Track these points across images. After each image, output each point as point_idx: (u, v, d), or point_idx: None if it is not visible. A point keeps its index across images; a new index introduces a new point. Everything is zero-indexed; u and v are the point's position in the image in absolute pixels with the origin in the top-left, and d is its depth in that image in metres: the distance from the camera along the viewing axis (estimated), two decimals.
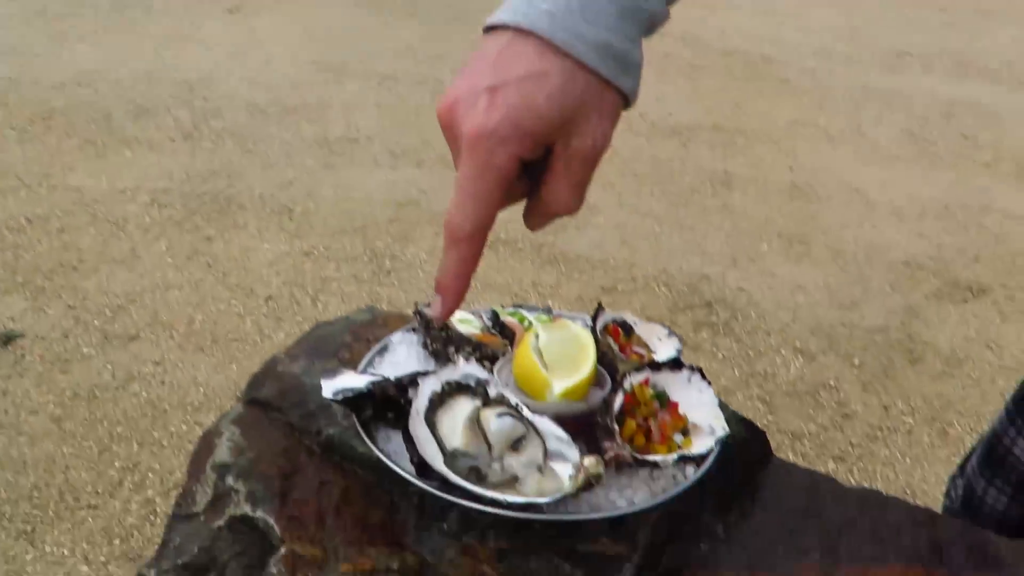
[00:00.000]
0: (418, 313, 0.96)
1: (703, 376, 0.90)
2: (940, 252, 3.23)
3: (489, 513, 0.76)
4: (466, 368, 0.82)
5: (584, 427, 0.83)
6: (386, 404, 0.81)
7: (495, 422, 0.79)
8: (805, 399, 2.47)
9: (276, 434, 0.89)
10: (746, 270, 3.03)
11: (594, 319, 0.95)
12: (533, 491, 0.76)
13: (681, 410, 0.87)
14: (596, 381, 0.85)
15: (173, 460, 2.07)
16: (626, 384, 0.84)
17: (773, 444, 2.27)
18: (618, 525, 0.80)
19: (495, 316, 0.95)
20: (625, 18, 0.61)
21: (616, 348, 0.92)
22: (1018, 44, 5.56)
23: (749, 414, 2.37)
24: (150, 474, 2.03)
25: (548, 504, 0.74)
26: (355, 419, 0.83)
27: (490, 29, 0.63)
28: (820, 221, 3.37)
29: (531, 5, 0.60)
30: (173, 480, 2.01)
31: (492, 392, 0.81)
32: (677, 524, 0.86)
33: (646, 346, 0.97)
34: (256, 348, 2.47)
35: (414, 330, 0.97)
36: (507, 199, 0.66)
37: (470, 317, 0.95)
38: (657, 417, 0.83)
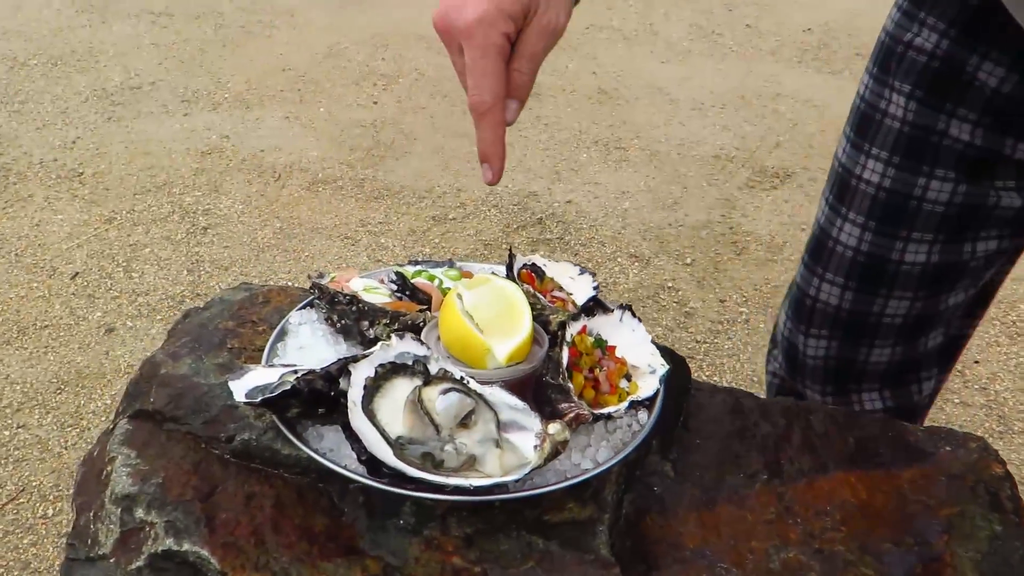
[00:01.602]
0: (316, 286, 0.86)
1: (633, 314, 0.86)
2: (744, 142, 3.35)
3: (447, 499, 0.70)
4: (401, 346, 0.74)
5: (528, 389, 0.78)
6: (315, 399, 0.72)
7: (440, 400, 0.72)
8: (648, 303, 2.52)
9: (179, 449, 0.78)
10: (570, 182, 3.03)
11: (509, 268, 0.88)
12: (495, 469, 0.71)
13: (618, 353, 0.83)
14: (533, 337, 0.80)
15: (0, 472, 1.85)
16: (567, 336, 0.79)
17: None
18: (582, 487, 0.76)
19: (402, 279, 0.87)
20: None
21: (541, 297, 0.86)
22: None
23: None
24: None
25: (516, 482, 0.69)
26: (277, 419, 0.73)
27: None
28: (631, 124, 3.41)
29: None
30: (5, 493, 1.81)
31: (433, 368, 0.73)
32: (630, 472, 0.82)
33: (561, 288, 0.92)
34: (72, 332, 2.24)
35: (311, 305, 0.88)
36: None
37: (375, 284, 0.87)
38: (602, 366, 0.79)
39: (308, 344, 0.83)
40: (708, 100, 3.62)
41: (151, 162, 2.94)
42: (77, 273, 2.45)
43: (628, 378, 0.81)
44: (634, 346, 0.84)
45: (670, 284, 2.61)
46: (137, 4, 4.09)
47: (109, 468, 0.77)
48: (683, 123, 3.44)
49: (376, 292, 0.85)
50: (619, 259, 2.70)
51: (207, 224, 2.68)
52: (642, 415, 0.79)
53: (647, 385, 0.81)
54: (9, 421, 1.98)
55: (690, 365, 2.36)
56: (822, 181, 3.54)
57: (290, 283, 2.47)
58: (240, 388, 0.74)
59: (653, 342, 0.86)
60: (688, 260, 2.72)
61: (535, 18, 0.77)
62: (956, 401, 2.26)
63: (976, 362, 2.36)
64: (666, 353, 0.96)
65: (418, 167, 3.04)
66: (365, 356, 0.73)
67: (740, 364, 2.37)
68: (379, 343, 0.74)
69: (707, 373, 2.34)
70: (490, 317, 0.77)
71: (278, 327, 0.85)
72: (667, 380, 0.84)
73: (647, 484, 0.83)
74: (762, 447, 0.90)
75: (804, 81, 3.79)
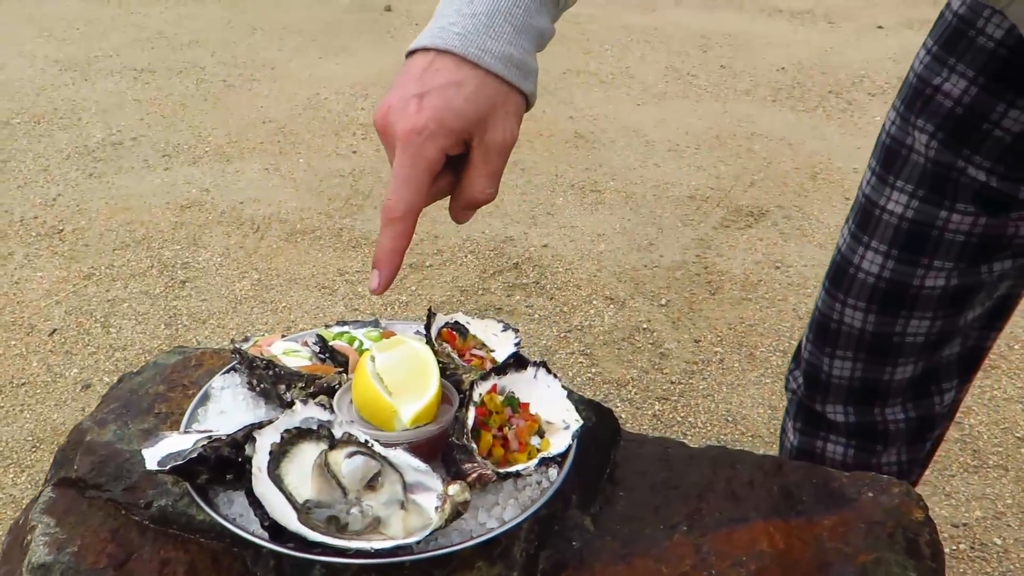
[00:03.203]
0: (236, 351, 0.88)
1: (548, 370, 0.88)
2: (719, 182, 3.38)
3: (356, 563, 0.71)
4: (305, 411, 0.75)
5: (438, 449, 0.79)
6: (222, 465, 0.74)
7: (346, 463, 0.73)
8: (623, 345, 2.53)
9: (99, 516, 0.80)
10: (546, 226, 3.06)
11: (427, 328, 0.90)
12: (399, 531, 0.72)
13: (532, 409, 0.84)
14: (443, 397, 0.81)
15: None
16: (475, 395, 0.80)
17: (600, 396, 2.27)
18: (491, 545, 0.77)
19: (323, 342, 0.89)
20: (520, 34, 0.76)
21: (456, 356, 0.88)
22: None
23: (573, 370, 2.41)
24: None
25: (418, 543, 0.70)
26: (189, 486, 0.75)
27: (412, 53, 0.76)
28: (607, 166, 3.45)
29: (444, 30, 0.74)
30: None
31: (337, 432, 0.75)
32: (547, 528, 0.84)
33: (484, 345, 0.94)
34: (49, 390, 2.25)
35: (235, 370, 0.90)
36: (434, 192, 0.77)
37: (296, 347, 0.89)
38: (512, 424, 0.81)
39: (229, 409, 0.85)
40: (683, 141, 3.66)
41: (131, 217, 2.98)
42: (55, 330, 2.47)
43: (541, 435, 0.83)
44: (549, 402, 0.85)
45: (645, 325, 2.63)
46: (120, 61, 4.16)
47: (29, 537, 0.78)
48: (659, 164, 3.48)
49: (296, 355, 0.87)
50: (595, 301, 2.72)
51: (185, 278, 2.70)
52: (552, 471, 0.80)
53: (559, 441, 0.82)
54: None
55: (664, 406, 2.38)
56: (797, 219, 3.56)
57: (262, 333, 2.49)
58: (153, 456, 0.76)
59: (570, 396, 0.87)
60: (663, 301, 2.74)
61: (487, 136, 0.74)
62: None
63: None
64: (591, 407, 0.98)
65: None
66: (271, 422, 0.74)
67: (715, 404, 2.38)
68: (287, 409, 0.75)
69: (681, 414, 2.35)
70: (400, 379, 0.79)
71: (200, 392, 0.87)
72: (584, 434, 0.85)
73: (567, 539, 0.85)
74: (685, 497, 0.92)
75: (779, 120, 3.84)
